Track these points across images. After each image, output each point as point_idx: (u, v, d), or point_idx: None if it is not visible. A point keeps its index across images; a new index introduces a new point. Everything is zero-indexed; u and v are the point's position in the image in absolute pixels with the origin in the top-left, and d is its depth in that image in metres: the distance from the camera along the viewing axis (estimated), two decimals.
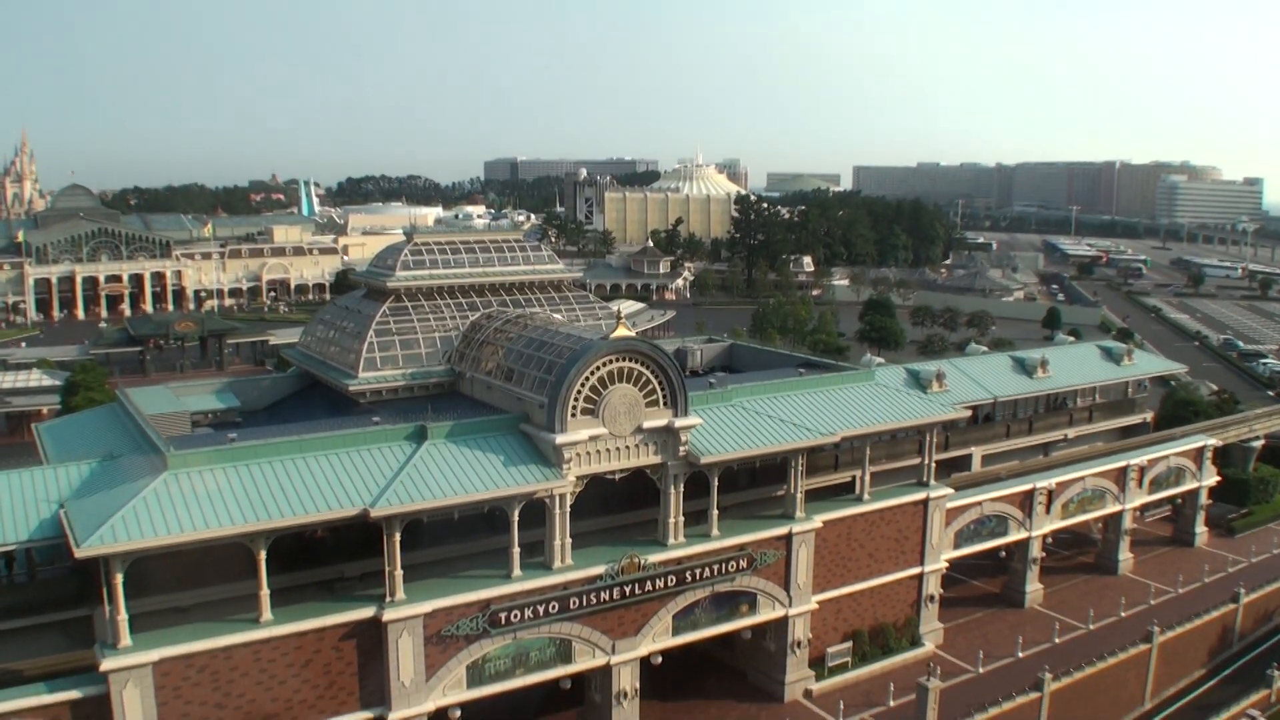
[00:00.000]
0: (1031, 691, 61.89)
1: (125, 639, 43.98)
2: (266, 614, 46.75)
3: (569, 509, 52.69)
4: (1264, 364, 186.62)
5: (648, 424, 54.04)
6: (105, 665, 43.37)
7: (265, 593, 46.63)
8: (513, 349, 58.76)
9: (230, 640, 45.78)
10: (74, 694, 43.75)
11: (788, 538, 59.66)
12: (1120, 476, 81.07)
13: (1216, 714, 60.72)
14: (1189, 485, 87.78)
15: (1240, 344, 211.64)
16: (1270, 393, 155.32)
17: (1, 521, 47.42)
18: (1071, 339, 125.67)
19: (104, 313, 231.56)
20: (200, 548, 45.44)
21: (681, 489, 56.00)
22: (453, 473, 50.13)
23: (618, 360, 53.21)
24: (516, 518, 51.10)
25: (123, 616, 43.87)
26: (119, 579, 43.37)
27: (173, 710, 44.93)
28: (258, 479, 47.67)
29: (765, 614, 60.07)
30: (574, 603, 52.75)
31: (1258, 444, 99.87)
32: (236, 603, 48.10)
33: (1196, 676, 74.02)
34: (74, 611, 49.47)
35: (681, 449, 55.19)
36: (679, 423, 54.57)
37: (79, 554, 42.20)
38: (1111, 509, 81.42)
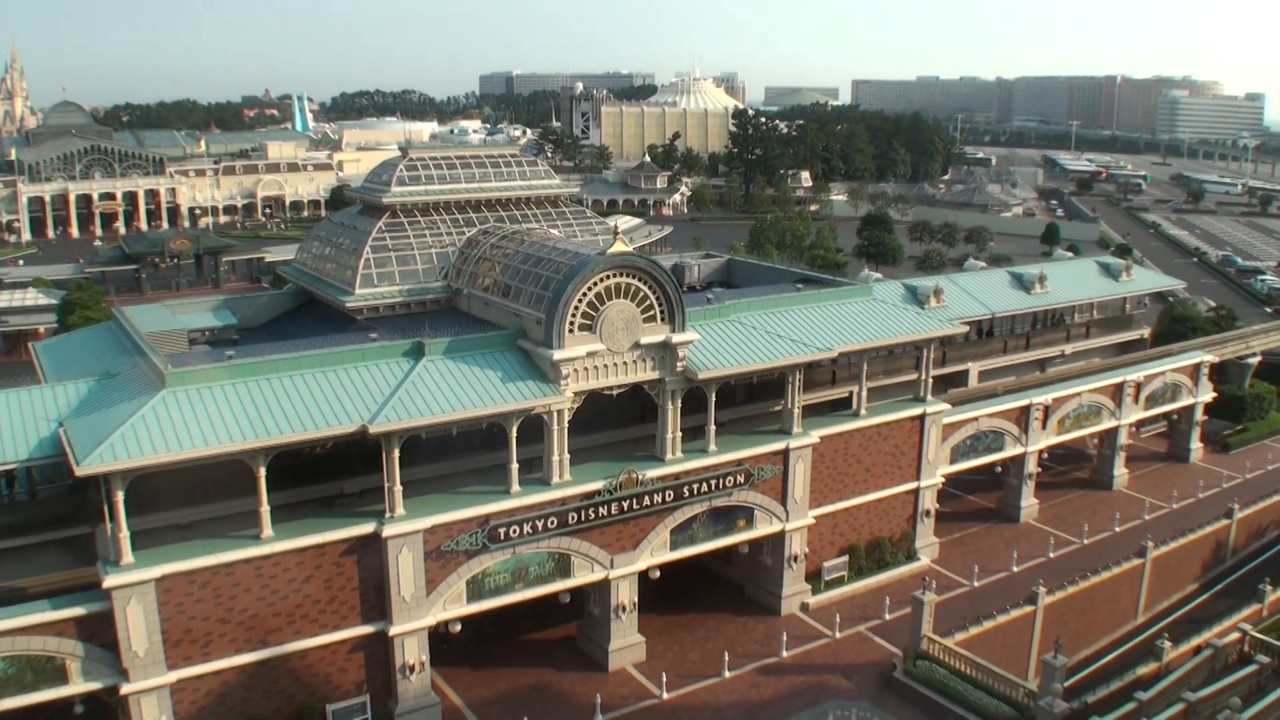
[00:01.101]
0: (1026, 605, 62.44)
1: (127, 556, 44.29)
2: (267, 530, 47.03)
3: (567, 425, 52.74)
4: (1262, 280, 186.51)
5: (645, 340, 53.90)
6: (108, 582, 43.70)
7: (265, 509, 46.85)
8: (510, 265, 58.47)
9: (231, 556, 46.11)
10: (78, 610, 44.11)
11: (785, 453, 59.86)
12: (1116, 392, 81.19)
13: (1209, 628, 61.21)
14: (1185, 401, 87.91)
15: (1239, 260, 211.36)
16: (1268, 309, 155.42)
17: (1, 440, 47.44)
18: (1070, 255, 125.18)
19: (99, 231, 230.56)
20: (200, 465, 45.57)
21: (679, 405, 56.03)
22: (450, 389, 50.12)
23: (615, 276, 52.94)
24: (515, 434, 51.19)
25: (124, 534, 44.14)
26: (119, 496, 43.56)
27: (176, 625, 45.37)
28: (256, 396, 47.69)
29: (762, 529, 60.50)
30: (572, 518, 53.05)
31: (1254, 360, 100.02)
32: (237, 519, 48.40)
33: (1189, 591, 74.73)
34: (76, 529, 49.73)
35: (679, 364, 55.13)
36: (676, 338, 54.45)
37: (79, 472, 42.33)
38: (1107, 425, 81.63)
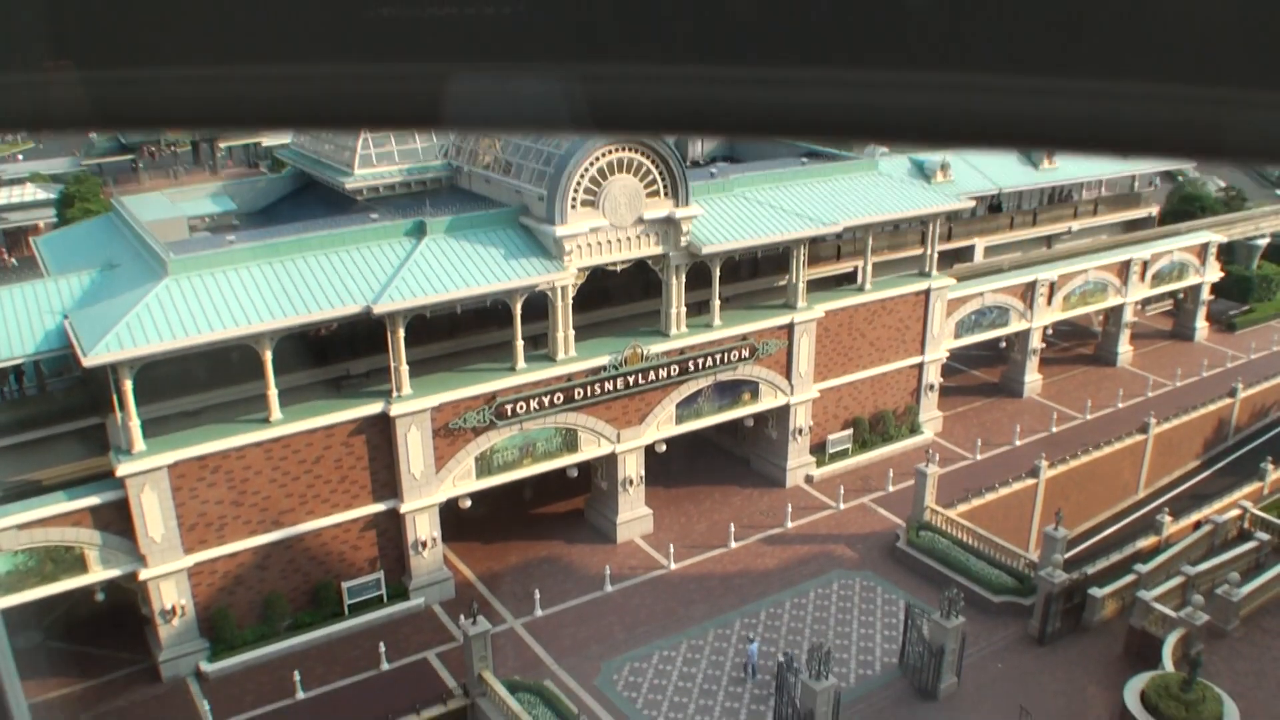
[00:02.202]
0: (1028, 478, 63.02)
1: (139, 444, 44.60)
2: (275, 413, 47.28)
3: (571, 301, 52.78)
4: None
5: (649, 215, 53.64)
6: (121, 470, 44.10)
7: (273, 393, 47.03)
8: (510, 141, 57.95)
9: (242, 440, 46.45)
10: (93, 500, 44.60)
11: (789, 327, 59.94)
12: (1123, 270, 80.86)
13: (1209, 504, 61.80)
14: (1191, 281, 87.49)
15: None
16: (1278, 192, 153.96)
17: (8, 335, 47.47)
18: None
19: None
20: (206, 351, 45.81)
21: (683, 280, 55.98)
22: (453, 267, 50.04)
23: (617, 150, 52.50)
24: (519, 311, 51.24)
25: (134, 422, 44.39)
26: (128, 385, 43.75)
27: (190, 510, 45.95)
28: (259, 280, 47.54)
29: (767, 402, 60.84)
30: (578, 394, 53.34)
31: (1263, 242, 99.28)
32: (246, 404, 48.75)
33: (1191, 468, 75.30)
34: (86, 420, 50.12)
35: (683, 239, 54.95)
36: (680, 213, 54.18)
37: (86, 363, 42.46)
38: (1113, 302, 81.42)
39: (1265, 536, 55.00)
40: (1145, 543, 56.63)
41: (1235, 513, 57.68)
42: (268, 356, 46.21)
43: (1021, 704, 44.92)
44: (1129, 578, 51.24)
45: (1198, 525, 57.72)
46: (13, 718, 3.21)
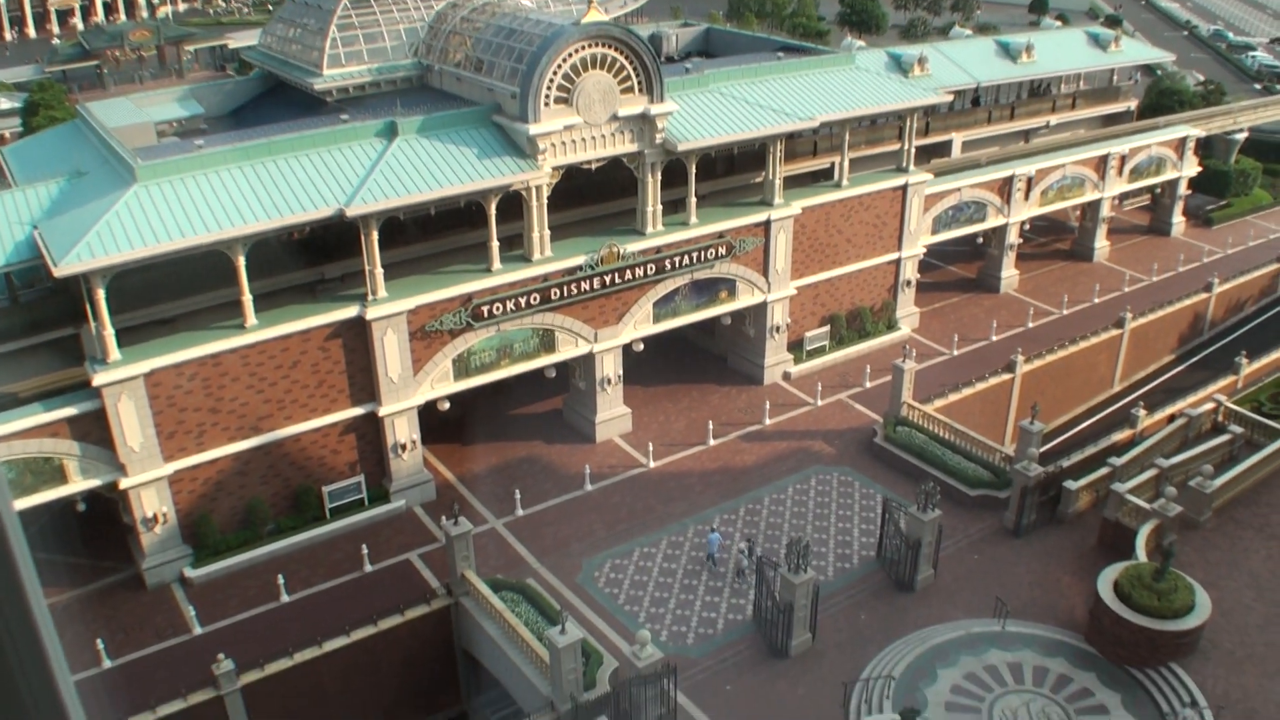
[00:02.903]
0: (1004, 373, 63.39)
1: (114, 353, 44.35)
2: (251, 319, 47.02)
3: (546, 201, 52.30)
4: (1252, 57, 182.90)
5: (623, 111, 52.96)
6: (98, 380, 43.90)
7: (247, 298, 46.73)
8: (481, 38, 56.96)
9: (217, 347, 46.23)
10: (70, 410, 44.40)
11: (766, 224, 59.64)
12: (1100, 165, 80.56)
13: (1183, 397, 62.24)
14: (1169, 175, 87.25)
15: (1230, 35, 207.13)
16: (1257, 86, 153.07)
17: None
18: (1058, 24, 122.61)
19: (56, 28, 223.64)
20: (179, 258, 45.28)
21: (659, 177, 55.49)
22: (426, 168, 49.44)
23: (591, 46, 51.65)
24: (494, 211, 50.79)
25: (109, 331, 44.08)
26: (100, 295, 43.33)
27: (168, 419, 45.82)
28: (229, 185, 46.87)
29: (744, 300, 60.79)
30: (555, 293, 53.13)
31: (1241, 136, 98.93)
32: (220, 310, 48.47)
33: (1166, 362, 75.87)
34: (60, 331, 49.53)
35: (658, 136, 54.33)
36: (655, 109, 53.49)
37: (57, 273, 41.92)
38: (1090, 197, 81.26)
39: (1238, 430, 55.46)
40: (1120, 436, 57.09)
41: (1209, 406, 58.08)
42: (241, 262, 45.76)
43: (997, 595, 45.57)
44: (1103, 471, 51.69)
45: (1172, 419, 58.14)
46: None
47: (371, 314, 48.69)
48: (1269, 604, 45.29)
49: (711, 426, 58.16)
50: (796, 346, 64.64)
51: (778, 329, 62.59)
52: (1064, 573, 47.87)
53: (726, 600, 46.37)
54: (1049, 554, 49.01)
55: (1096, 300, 76.09)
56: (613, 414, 57.97)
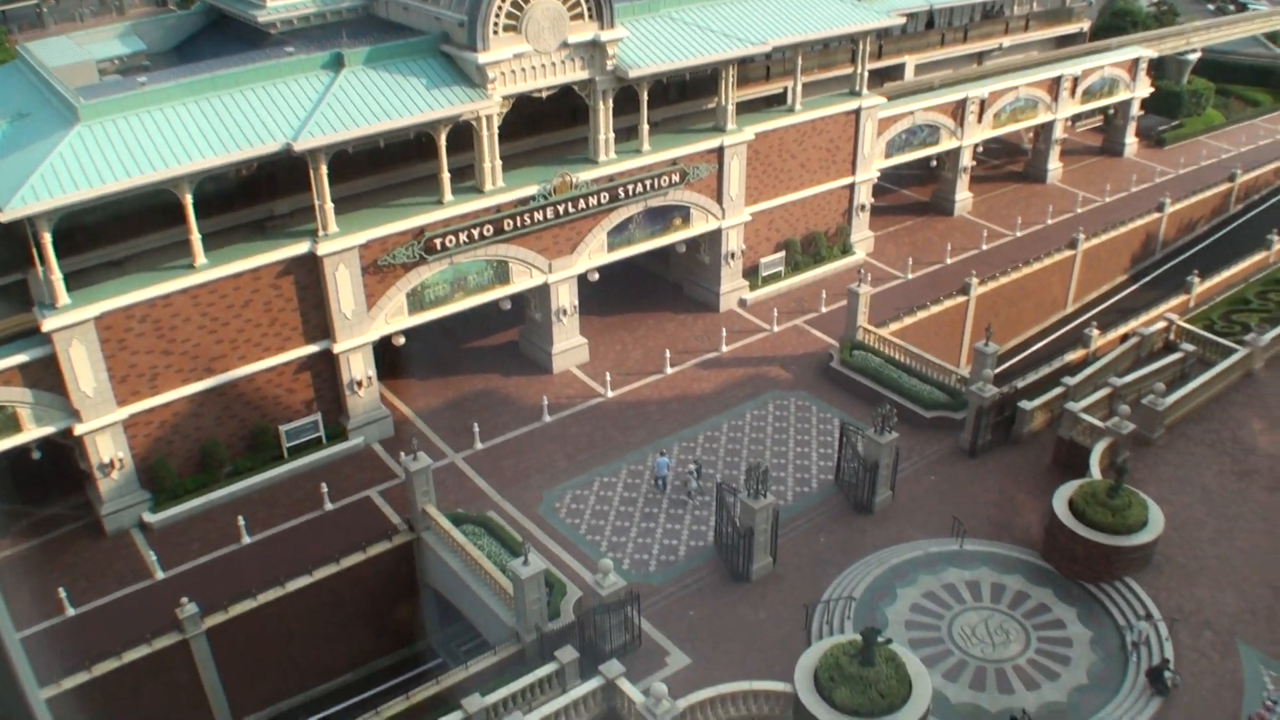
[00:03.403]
0: (958, 295, 63.75)
1: (63, 298, 43.65)
2: (200, 259, 46.36)
3: (497, 131, 51.68)
4: None
5: (573, 38, 52.19)
6: (47, 325, 43.23)
7: (196, 237, 46.05)
8: None
9: (168, 288, 45.57)
10: (21, 358, 43.72)
11: (719, 150, 59.27)
12: (1053, 86, 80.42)
13: (1136, 317, 62.77)
14: (1122, 96, 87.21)
15: None
16: (1210, 6, 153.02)
17: None
18: None
19: None
20: (126, 198, 44.50)
21: (610, 105, 54.93)
22: (374, 100, 48.65)
23: None
24: (444, 142, 50.16)
25: (56, 276, 43.33)
26: (47, 238, 42.53)
27: (121, 362, 45.26)
28: (174, 122, 45.93)
29: (699, 227, 60.59)
30: (508, 224, 52.70)
31: (1193, 57, 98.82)
32: (169, 251, 47.73)
33: (1118, 282, 76.46)
34: (7, 277, 48.60)
35: (609, 63, 53.66)
36: (605, 35, 52.75)
37: (2, 218, 40.95)
38: (1043, 119, 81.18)
39: (1190, 348, 56.03)
40: (1073, 356, 57.57)
41: (1161, 325, 58.62)
42: (188, 200, 45.01)
43: (954, 514, 46.10)
44: (1057, 390, 52.17)
45: (1125, 338, 58.69)
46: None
47: (323, 250, 48.14)
48: (1220, 518, 46.07)
49: (668, 355, 58.18)
50: (752, 273, 64.59)
51: (733, 256, 62.46)
52: (1020, 491, 48.44)
53: (688, 527, 46.65)
54: (1005, 473, 49.54)
55: (1050, 222, 76.35)
56: (569, 344, 57.82)
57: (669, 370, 57.54)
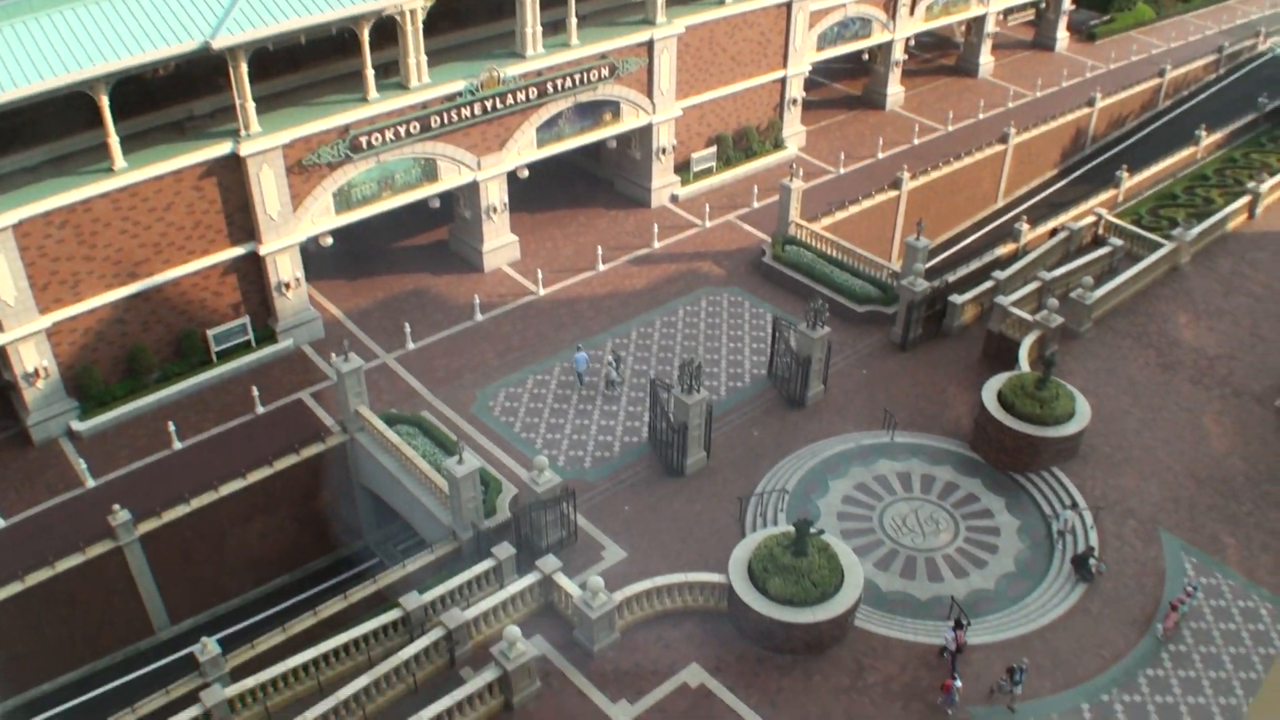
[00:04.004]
0: (890, 190, 63.87)
1: None
2: (119, 162, 45.05)
3: (421, 25, 50.36)
4: None
5: None
6: None
7: (114, 140, 44.69)
8: None
9: (87, 192, 44.28)
10: None
11: (649, 44, 58.29)
12: None
13: (1065, 211, 63.28)
14: None
15: None
16: None
17: None
18: None
19: None
20: (39, 102, 42.83)
21: None
22: None
23: None
24: (367, 37, 48.86)
25: None
26: None
27: (41, 270, 44.15)
28: (86, 21, 44.14)
29: (629, 122, 59.90)
30: (435, 121, 51.73)
31: None
32: (87, 155, 46.25)
33: (1049, 177, 76.87)
34: None
35: None
36: None
37: None
38: (975, 12, 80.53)
39: (1118, 242, 56.77)
40: (1004, 250, 58.11)
41: (1090, 219, 59.28)
42: (105, 102, 43.60)
43: (886, 407, 46.68)
44: (987, 284, 52.67)
45: (1054, 232, 59.35)
46: None
47: (245, 150, 47.04)
48: (1145, 409, 47.08)
49: (600, 251, 57.86)
50: (683, 168, 64.13)
51: (664, 151, 61.94)
52: (950, 384, 49.07)
53: (622, 424, 46.83)
54: (935, 366, 50.12)
55: (981, 116, 76.35)
56: (500, 243, 57.28)
57: (601, 267, 57.29)
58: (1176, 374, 49.31)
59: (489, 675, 33.28)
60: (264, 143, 47.36)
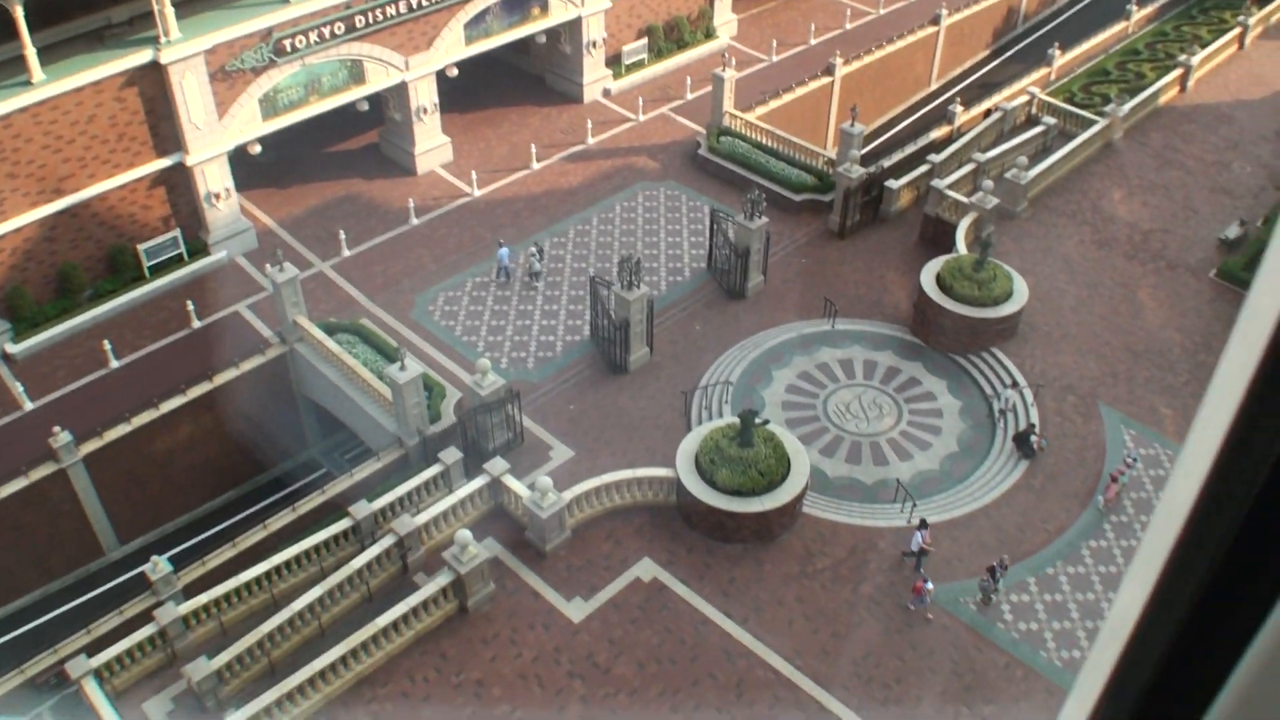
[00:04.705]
0: (823, 77, 63.41)
1: None
2: (37, 74, 43.58)
3: None
4: None
5: None
6: None
7: (31, 52, 43.17)
8: None
9: (5, 108, 42.82)
10: None
11: None
12: None
13: (998, 92, 63.26)
14: None
15: None
16: None
17: None
18: None
19: None
20: None
21: None
22: None
23: None
24: None
25: None
26: None
27: None
28: None
29: (558, 16, 58.72)
30: (359, 21, 50.40)
31: None
32: (4, 68, 44.69)
33: (981, 57, 76.50)
34: None
35: None
36: None
37: None
38: None
39: (1052, 121, 56.92)
40: (938, 133, 58.18)
41: (1024, 99, 59.31)
42: (19, 12, 42.17)
43: (826, 295, 46.91)
44: (923, 168, 52.75)
45: (988, 113, 59.31)
46: None
47: (166, 57, 45.78)
48: (1081, 286, 47.68)
49: (534, 149, 57.15)
50: (615, 61, 63.15)
51: (594, 44, 60.94)
52: (888, 269, 49.36)
53: (564, 323, 46.77)
54: (874, 253, 50.34)
55: None
56: (432, 144, 56.39)
57: (536, 165, 56.65)
58: (1112, 250, 49.91)
59: (442, 580, 33.54)
60: (185, 49, 46.07)
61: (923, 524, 35.63)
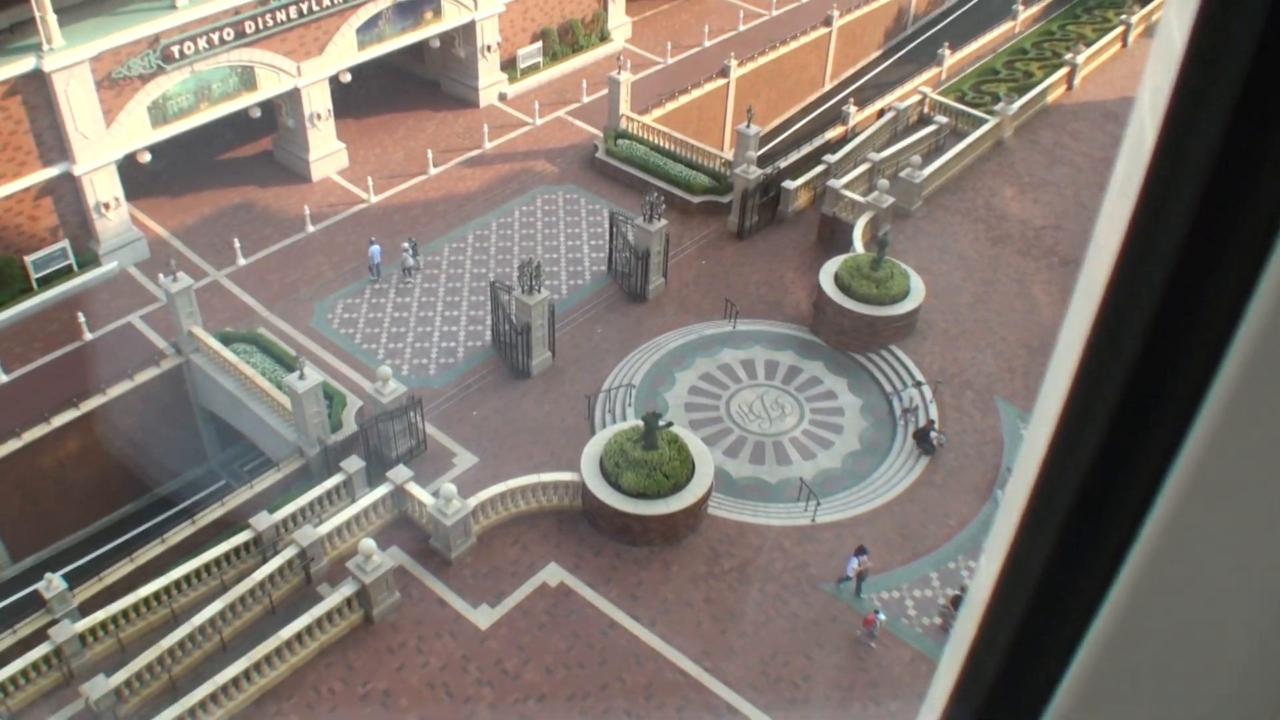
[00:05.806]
0: (719, 78, 63.84)
1: None
2: None
3: None
4: None
5: None
6: None
7: None
8: None
9: None
10: None
11: None
12: None
13: (891, 92, 64.17)
14: None
15: None
16: None
17: None
18: None
19: None
20: None
21: None
22: None
23: None
24: None
25: None
26: None
27: None
28: None
29: (451, 20, 58.31)
30: (249, 26, 49.67)
31: None
32: None
33: (874, 58, 77.50)
34: None
35: None
36: None
37: None
38: None
39: (944, 120, 57.95)
40: (833, 133, 58.90)
41: (916, 99, 60.30)
42: None
43: (726, 296, 47.29)
44: (819, 168, 53.39)
45: (881, 113, 60.24)
46: None
47: (49, 65, 44.68)
48: (977, 283, 48.67)
49: (431, 155, 56.76)
50: (510, 65, 62.92)
51: (489, 48, 60.67)
52: (787, 269, 49.89)
53: (464, 329, 46.56)
54: (772, 252, 50.85)
55: (805, 0, 76.40)
56: (327, 150, 55.71)
57: (433, 171, 56.26)
58: (1006, 246, 50.99)
59: (347, 590, 33.22)
60: (69, 56, 45.03)
61: (860, 550, 35.21)
